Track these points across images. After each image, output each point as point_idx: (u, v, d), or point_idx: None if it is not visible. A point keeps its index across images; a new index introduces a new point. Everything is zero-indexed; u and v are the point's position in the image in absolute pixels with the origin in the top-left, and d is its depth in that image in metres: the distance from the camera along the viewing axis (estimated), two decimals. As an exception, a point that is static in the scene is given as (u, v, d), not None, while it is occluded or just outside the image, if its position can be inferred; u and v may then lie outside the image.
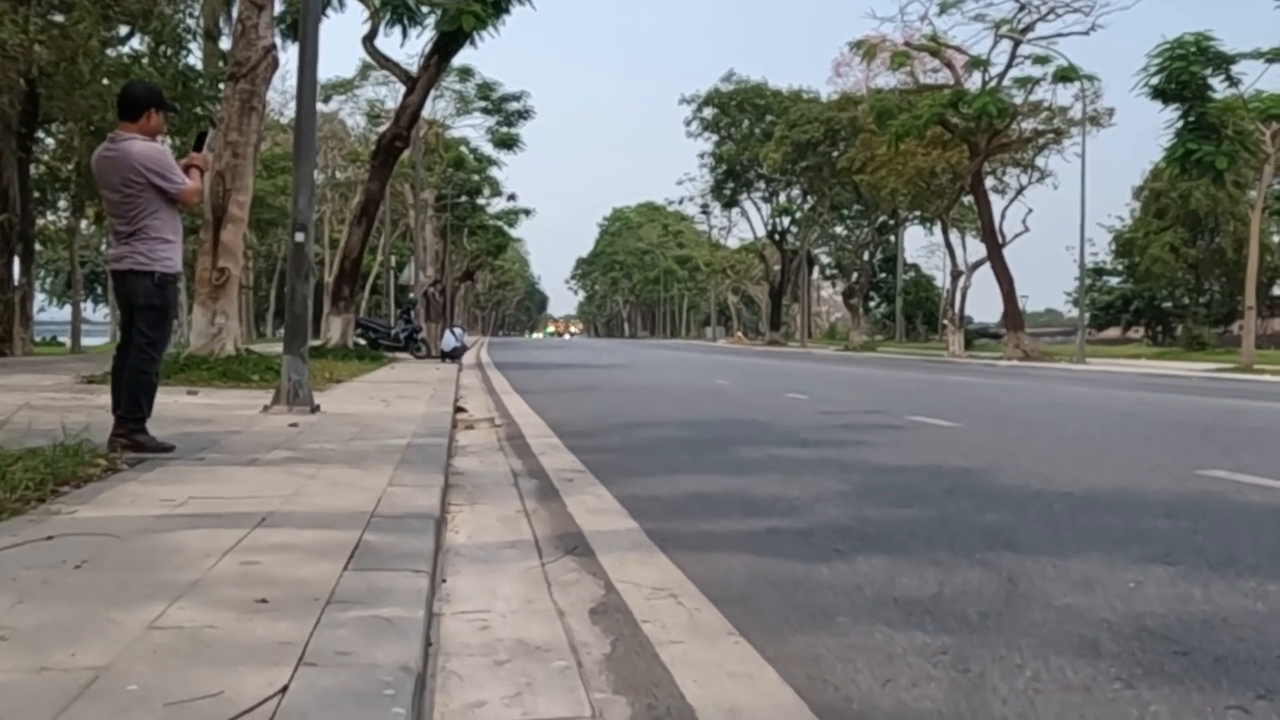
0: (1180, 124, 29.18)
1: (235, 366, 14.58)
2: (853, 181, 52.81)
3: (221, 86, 18.52)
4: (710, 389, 18.62)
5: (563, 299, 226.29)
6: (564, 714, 2.70)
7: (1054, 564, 4.40)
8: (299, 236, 10.19)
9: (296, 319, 10.40)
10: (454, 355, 27.18)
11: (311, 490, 5.40)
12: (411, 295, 36.77)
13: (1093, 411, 14.18)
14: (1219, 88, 29.19)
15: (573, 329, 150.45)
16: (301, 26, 10.60)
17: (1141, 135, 69.44)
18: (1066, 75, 38.01)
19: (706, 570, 4.28)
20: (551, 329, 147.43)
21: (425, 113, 49.91)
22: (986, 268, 42.35)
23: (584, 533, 5.07)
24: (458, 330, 29.15)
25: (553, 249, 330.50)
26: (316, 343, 29.17)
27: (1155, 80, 28.98)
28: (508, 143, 54.32)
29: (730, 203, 73.41)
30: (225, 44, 23.69)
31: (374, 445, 7.58)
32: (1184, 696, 2.83)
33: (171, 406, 9.87)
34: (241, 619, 2.99)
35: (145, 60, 23.14)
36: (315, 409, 10.12)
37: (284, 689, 2.40)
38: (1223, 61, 28.77)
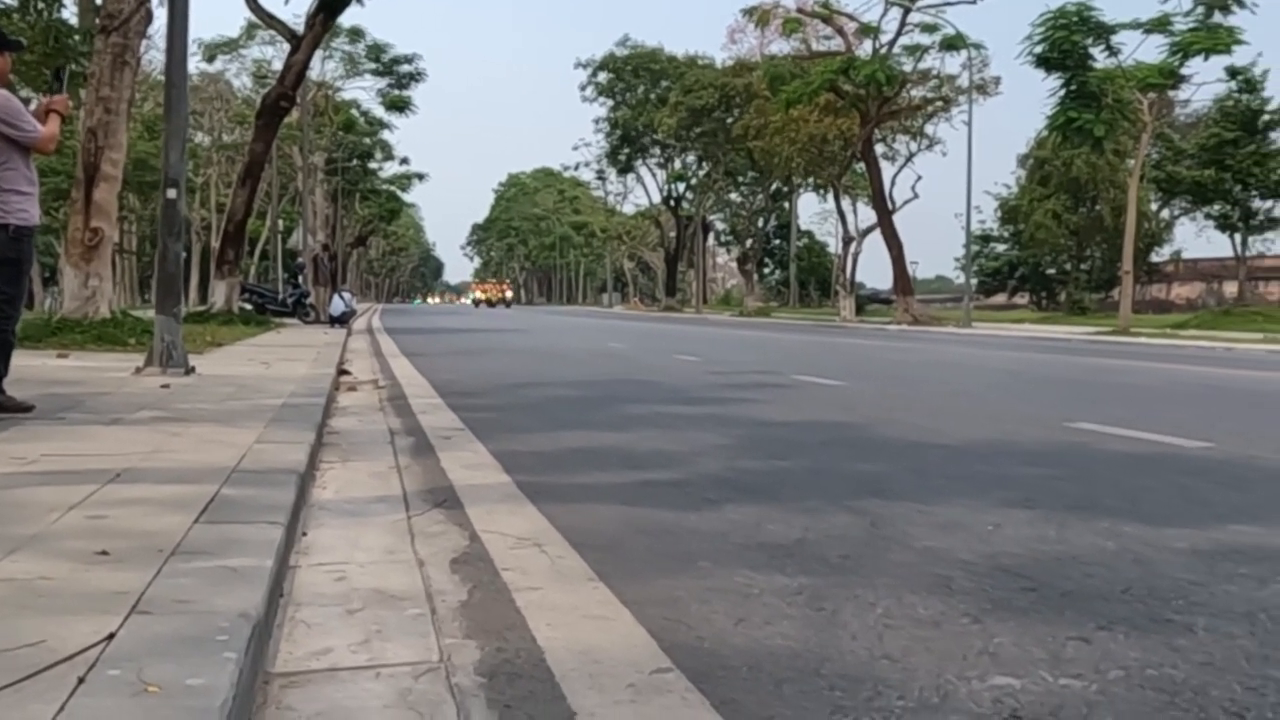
0: (1062, 92, 29.78)
1: (110, 329, 14.15)
2: (747, 148, 53.00)
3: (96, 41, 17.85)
4: (603, 351, 18.59)
5: (459, 265, 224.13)
6: (411, 659, 2.65)
7: (919, 509, 4.46)
8: (170, 193, 9.86)
9: (169, 278, 10.10)
10: (342, 320, 26.78)
11: (175, 447, 5.24)
12: (299, 260, 36.07)
13: (974, 370, 14.47)
14: (1099, 57, 29.89)
15: (508, 293, 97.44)
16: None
17: (1028, 104, 70.94)
18: (953, 44, 38.59)
19: (576, 520, 4.25)
20: (480, 294, 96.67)
21: (314, 74, 48.93)
22: (878, 234, 42.92)
23: (455, 486, 5.01)
24: (346, 295, 28.67)
25: (448, 215, 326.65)
26: (201, 308, 28.56)
27: (1039, 49, 29.54)
28: (399, 105, 53.50)
29: (626, 169, 73.28)
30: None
31: (248, 405, 7.40)
32: (1028, 628, 2.88)
33: (39, 369, 9.55)
34: (78, 570, 2.87)
35: (15, 15, 22.17)
36: (190, 371, 9.87)
37: (111, 636, 2.31)
38: (1103, 31, 29.42)
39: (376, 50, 52.49)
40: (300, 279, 32.09)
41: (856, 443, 6.64)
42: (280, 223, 51.23)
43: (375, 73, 53.65)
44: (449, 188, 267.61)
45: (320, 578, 3.41)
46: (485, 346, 20.15)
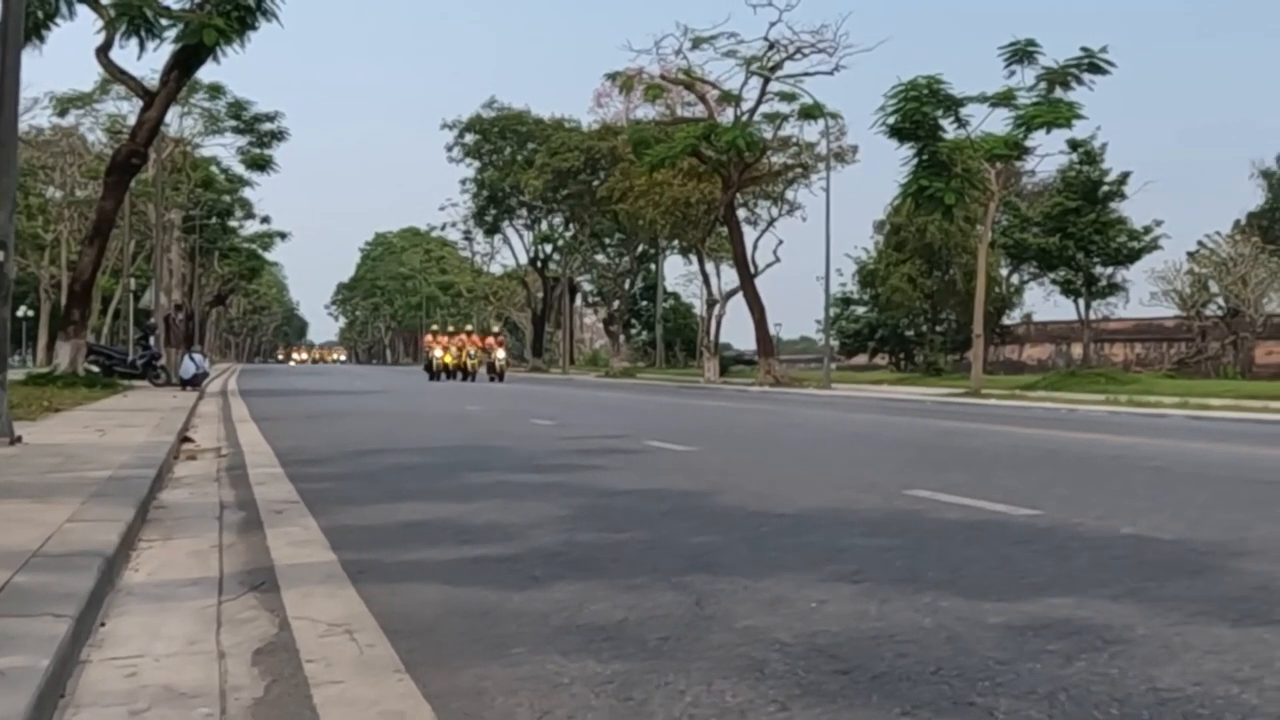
0: (915, 161, 30.71)
1: (-64, 395, 13.44)
2: (613, 210, 53.42)
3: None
4: (460, 415, 18.39)
5: (323, 325, 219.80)
6: (188, 766, 2.51)
7: (746, 585, 4.44)
8: (-3, 255, 9.46)
9: (-6, 343, 9.65)
10: (194, 382, 26.03)
11: (-25, 528, 4.95)
12: (151, 320, 34.98)
13: (825, 433, 14.68)
14: (949, 128, 30.90)
15: (498, 352, 47.21)
16: (2, 28, 9.88)
17: (884, 171, 73.24)
18: (811, 113, 39.62)
19: (395, 602, 4.12)
20: (439, 353, 46.86)
21: (172, 130, 47.91)
22: (742, 296, 43.50)
23: (276, 566, 4.83)
24: (198, 356, 27.89)
25: (313, 274, 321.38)
26: (46, 369, 27.43)
27: (892, 119, 30.40)
28: (260, 164, 52.53)
29: (492, 229, 73.21)
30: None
31: (70, 478, 7.08)
32: (834, 716, 2.86)
33: None
34: None
35: None
36: (16, 440, 9.44)
37: None
38: (952, 104, 30.45)
39: (237, 108, 51.57)
40: (152, 340, 31.08)
41: (696, 512, 6.63)
42: (133, 281, 49.72)
43: (236, 130, 52.72)
44: (314, 246, 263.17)
45: (109, 674, 3.23)
46: (338, 410, 19.76)
